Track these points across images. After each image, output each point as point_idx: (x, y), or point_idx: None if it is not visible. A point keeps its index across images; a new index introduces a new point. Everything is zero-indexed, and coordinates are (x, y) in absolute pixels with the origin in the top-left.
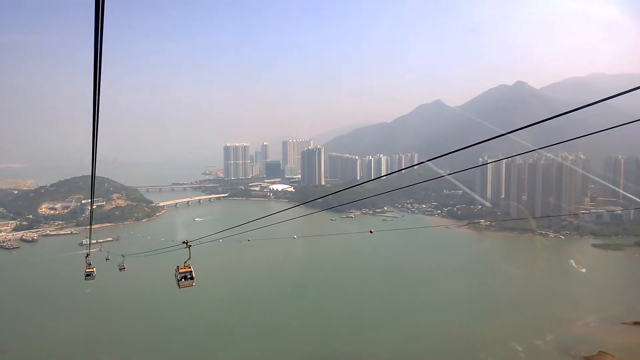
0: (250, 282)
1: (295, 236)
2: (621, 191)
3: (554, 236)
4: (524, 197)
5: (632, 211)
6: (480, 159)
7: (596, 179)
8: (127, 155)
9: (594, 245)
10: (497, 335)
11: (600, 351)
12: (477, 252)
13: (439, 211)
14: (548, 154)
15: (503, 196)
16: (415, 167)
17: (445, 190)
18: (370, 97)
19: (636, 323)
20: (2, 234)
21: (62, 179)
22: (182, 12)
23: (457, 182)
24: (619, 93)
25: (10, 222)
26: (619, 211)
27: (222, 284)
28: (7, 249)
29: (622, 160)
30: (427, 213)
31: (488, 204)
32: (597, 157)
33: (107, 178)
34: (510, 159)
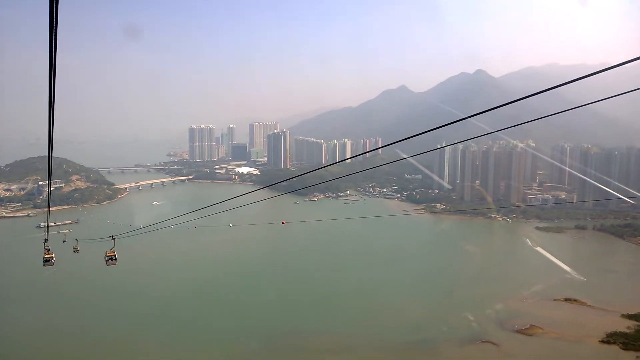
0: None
1: (230, 224)
2: (567, 170)
3: (502, 219)
4: (478, 182)
5: (575, 196)
6: (439, 145)
7: (548, 159)
8: (88, 135)
9: (537, 228)
10: (453, 308)
11: (531, 325)
12: (436, 234)
13: (399, 195)
14: (501, 142)
15: (459, 181)
16: (380, 151)
17: (406, 175)
18: (336, 82)
19: (566, 299)
20: None
21: (18, 160)
22: None
23: (418, 165)
24: (567, 82)
25: None
26: (563, 196)
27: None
28: None
29: (568, 148)
30: (387, 197)
31: (448, 186)
32: (547, 145)
33: (66, 159)
34: (465, 146)
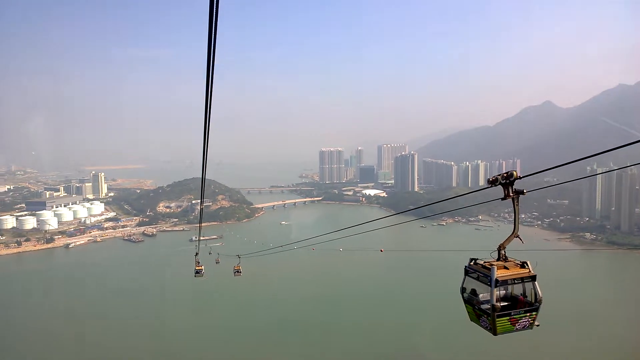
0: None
1: (341, 249)
2: None
3: None
4: (638, 210)
5: None
6: (589, 168)
7: None
8: (229, 158)
9: None
10: None
11: None
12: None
13: (539, 222)
14: None
15: (614, 208)
16: (518, 172)
17: (549, 200)
18: (471, 99)
19: None
20: (128, 228)
21: (176, 181)
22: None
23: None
24: None
25: (134, 218)
26: None
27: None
28: (134, 242)
29: None
30: (525, 224)
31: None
32: None
33: (214, 180)
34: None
